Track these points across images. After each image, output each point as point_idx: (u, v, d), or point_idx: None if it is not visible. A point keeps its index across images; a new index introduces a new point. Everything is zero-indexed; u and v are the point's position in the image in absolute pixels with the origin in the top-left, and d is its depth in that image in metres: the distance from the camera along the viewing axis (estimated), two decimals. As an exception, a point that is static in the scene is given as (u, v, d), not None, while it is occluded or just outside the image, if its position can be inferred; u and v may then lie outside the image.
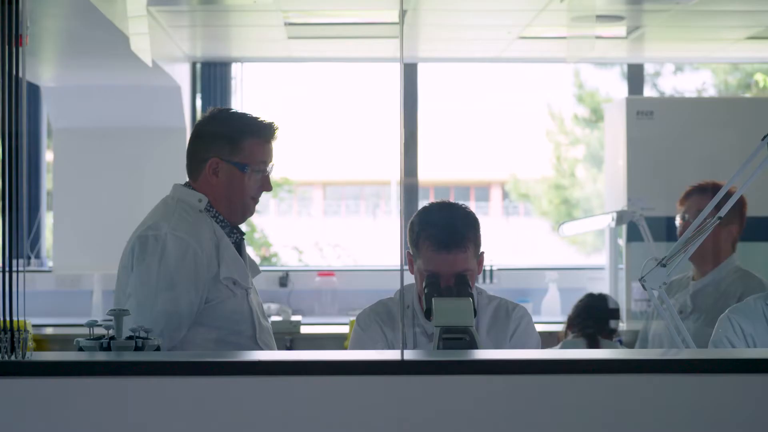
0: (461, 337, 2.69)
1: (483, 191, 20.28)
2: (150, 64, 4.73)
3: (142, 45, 4.64)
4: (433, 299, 2.76)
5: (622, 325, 5.44)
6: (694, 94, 12.37)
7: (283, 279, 6.60)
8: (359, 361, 2.28)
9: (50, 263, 6.96)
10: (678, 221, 3.94)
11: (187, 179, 3.10)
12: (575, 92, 13.10)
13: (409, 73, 7.02)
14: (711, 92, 12.53)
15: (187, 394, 2.21)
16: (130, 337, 2.50)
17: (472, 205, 19.10)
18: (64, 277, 6.68)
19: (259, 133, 3.05)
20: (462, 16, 5.78)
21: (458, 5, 5.54)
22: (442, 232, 2.97)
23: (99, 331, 2.53)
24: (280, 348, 5.16)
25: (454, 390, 2.23)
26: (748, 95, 11.41)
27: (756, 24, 5.89)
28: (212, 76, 6.84)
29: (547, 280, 6.55)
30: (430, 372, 2.25)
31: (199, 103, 7.00)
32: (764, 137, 2.71)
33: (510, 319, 3.09)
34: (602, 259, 6.54)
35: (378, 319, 3.09)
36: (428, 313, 2.80)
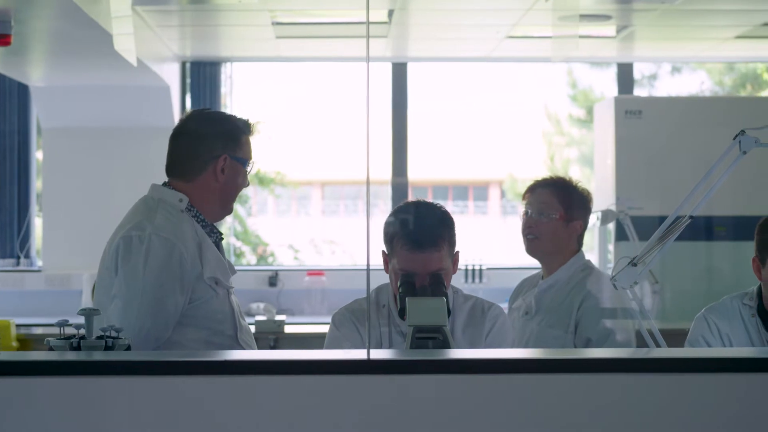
0: (434, 337, 2.69)
1: (482, 190, 20.28)
2: (135, 64, 4.74)
3: (126, 45, 4.64)
4: (406, 299, 2.76)
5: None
6: (693, 95, 12.35)
7: (273, 279, 6.61)
8: (325, 361, 2.28)
9: (40, 263, 6.96)
10: (521, 216, 3.74)
11: (166, 179, 3.09)
12: (569, 92, 13.10)
13: (399, 73, 7.02)
14: (709, 93, 12.53)
15: (153, 393, 2.21)
16: (100, 337, 2.50)
17: (471, 205, 19.15)
18: (54, 277, 6.68)
19: (248, 129, 3.12)
20: (450, 15, 5.79)
21: (445, 5, 5.55)
22: (416, 231, 2.97)
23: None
24: (264, 348, 5.18)
25: (420, 389, 2.23)
26: (743, 95, 11.41)
27: (744, 23, 5.90)
28: (202, 76, 6.85)
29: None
30: (395, 371, 2.24)
31: (189, 102, 7.00)
32: (736, 136, 2.71)
33: (485, 318, 3.08)
34: (593, 258, 6.54)
35: (353, 318, 3.08)
36: (402, 313, 2.80)
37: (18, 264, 6.88)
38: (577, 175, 13.65)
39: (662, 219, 4.95)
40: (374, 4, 5.64)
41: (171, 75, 6.62)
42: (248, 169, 3.09)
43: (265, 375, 2.22)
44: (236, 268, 3.21)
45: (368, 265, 2.25)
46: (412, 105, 7.10)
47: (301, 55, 6.76)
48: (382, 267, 3.04)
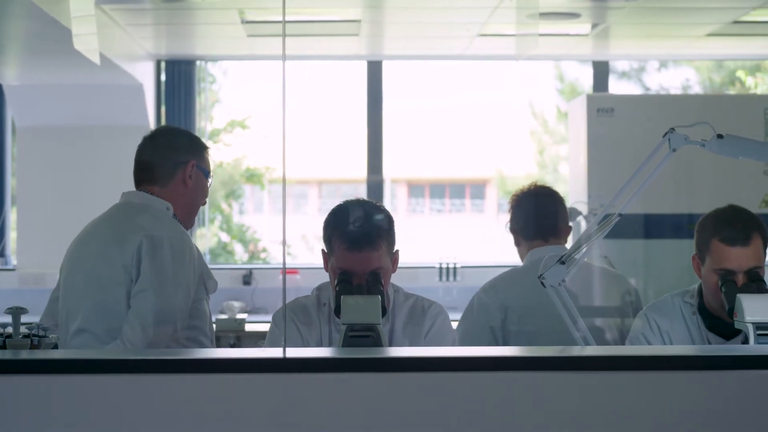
0: (367, 335, 2.69)
1: (479, 188, 20.29)
2: (98, 62, 4.75)
3: (89, 44, 4.65)
4: (341, 297, 2.77)
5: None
6: (679, 91, 12.35)
7: (247, 277, 6.60)
8: (240, 359, 2.28)
9: (14, 261, 6.97)
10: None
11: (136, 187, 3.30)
12: (558, 86, 13.11)
13: (374, 71, 7.03)
14: (696, 89, 12.52)
15: (73, 391, 2.21)
16: (26, 336, 2.50)
17: (468, 203, 19.14)
18: (28, 276, 6.69)
19: (205, 146, 3.39)
20: (421, 13, 5.79)
21: (416, 2, 5.55)
22: (354, 230, 2.97)
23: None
24: (225, 346, 5.19)
25: (335, 387, 2.23)
26: (732, 92, 11.40)
27: (715, 21, 5.89)
28: (177, 74, 6.85)
29: (510, 277, 6.52)
30: (311, 370, 2.24)
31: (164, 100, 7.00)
32: (665, 134, 2.71)
33: (426, 316, 3.08)
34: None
35: (293, 316, 3.09)
36: (338, 311, 2.80)
37: (-8, 262, 6.90)
38: (566, 171, 13.63)
39: (633, 217, 4.95)
40: (344, 2, 5.65)
41: (145, 74, 6.63)
42: (209, 182, 3.33)
43: (179, 374, 2.22)
44: (211, 266, 3.46)
45: (284, 264, 2.25)
46: (400, 104, 7.11)
47: (274, 53, 6.75)
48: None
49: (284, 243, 2.21)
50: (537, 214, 3.64)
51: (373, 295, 2.80)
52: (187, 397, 2.20)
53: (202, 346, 3.18)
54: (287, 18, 5.95)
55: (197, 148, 3.32)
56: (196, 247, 3.25)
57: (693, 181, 5.74)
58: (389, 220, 3.04)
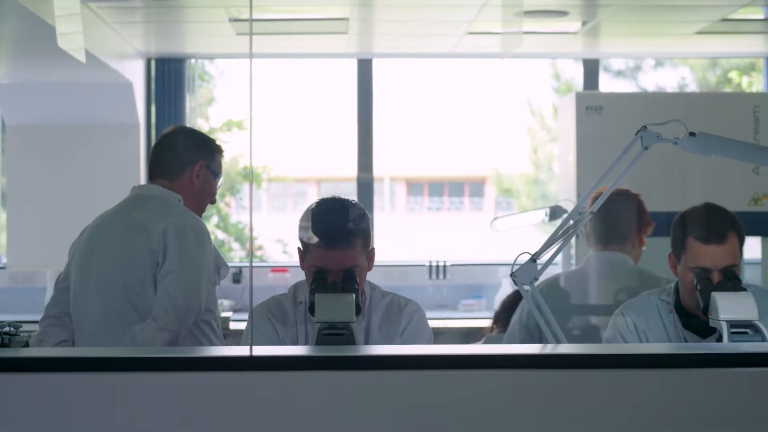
0: (340, 333, 2.69)
1: (477, 187, 20.28)
2: (84, 61, 4.75)
3: (74, 42, 4.64)
4: (315, 295, 2.77)
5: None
6: (676, 90, 12.35)
7: (237, 275, 6.59)
8: (206, 357, 2.27)
9: (4, 260, 6.97)
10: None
11: (147, 180, 3.52)
12: (554, 85, 13.09)
13: (365, 69, 7.02)
14: (692, 89, 12.51)
15: (35, 390, 2.21)
16: (-5, 334, 2.51)
17: (467, 201, 19.12)
18: (18, 274, 6.69)
19: (220, 149, 3.58)
20: (408, 11, 5.79)
21: (402, 0, 5.54)
22: (329, 228, 2.97)
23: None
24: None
25: (302, 386, 2.22)
26: (728, 90, 11.39)
27: (703, 19, 5.89)
28: (167, 72, 6.84)
29: (500, 275, 6.53)
30: (278, 368, 2.24)
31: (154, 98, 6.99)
32: (638, 132, 2.71)
33: (402, 314, 3.08)
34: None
35: (270, 315, 3.09)
36: (312, 309, 2.80)
37: (-18, 261, 6.90)
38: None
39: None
40: (331, 0, 5.64)
41: (134, 72, 6.62)
42: (218, 183, 3.53)
43: (143, 372, 2.21)
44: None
45: (251, 261, 2.24)
46: (398, 102, 7.12)
47: (263, 51, 6.75)
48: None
49: (251, 239, 2.22)
50: (599, 219, 3.63)
51: (347, 293, 2.80)
52: (153, 395, 2.20)
53: (214, 330, 3.38)
54: (274, 16, 5.95)
55: (208, 149, 3.50)
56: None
57: (683, 179, 5.74)
58: (364, 218, 3.04)
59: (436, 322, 5.81)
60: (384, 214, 17.82)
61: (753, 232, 5.89)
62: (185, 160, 3.46)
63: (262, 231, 10.64)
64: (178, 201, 3.42)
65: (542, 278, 3.60)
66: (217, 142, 3.57)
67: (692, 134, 2.66)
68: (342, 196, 3.11)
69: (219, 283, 3.44)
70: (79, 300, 3.37)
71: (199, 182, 3.46)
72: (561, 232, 2.62)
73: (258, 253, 10.35)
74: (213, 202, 3.57)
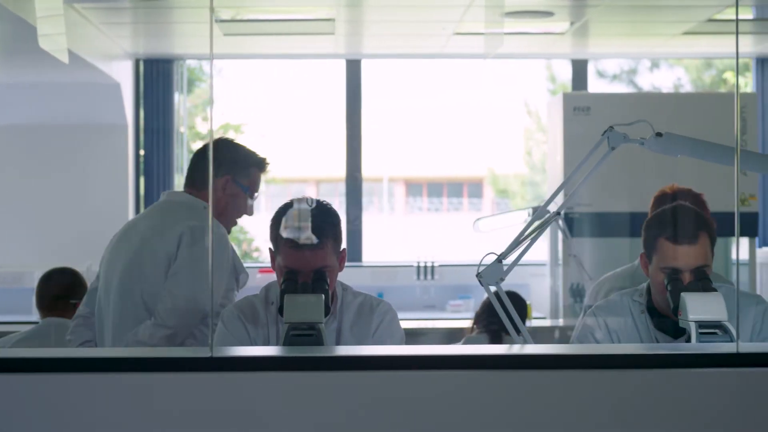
0: (309, 334, 2.69)
1: (477, 187, 20.26)
2: (67, 61, 4.75)
3: (56, 43, 4.64)
4: (285, 296, 2.76)
5: (545, 322, 5.44)
6: (671, 91, 12.34)
7: (226, 275, 6.59)
8: (167, 358, 2.27)
9: (-8, 261, 6.97)
10: None
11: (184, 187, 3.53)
12: (550, 87, 13.08)
13: (353, 70, 7.03)
14: (687, 89, 12.49)
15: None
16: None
17: (465, 201, 19.11)
18: (5, 275, 6.68)
19: (261, 166, 3.53)
20: (394, 11, 5.79)
21: (388, 1, 5.54)
22: (299, 229, 2.97)
23: None
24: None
25: (263, 387, 2.22)
26: (723, 90, 11.38)
27: (690, 19, 5.89)
28: (155, 73, 6.84)
29: (488, 276, 6.51)
30: (239, 368, 2.24)
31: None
32: (604, 132, 2.71)
33: (373, 315, 3.07)
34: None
35: (241, 315, 3.08)
36: (282, 310, 2.80)
37: (-30, 262, 6.89)
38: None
39: (612, 215, 4.94)
40: (317, 1, 5.65)
41: (122, 72, 6.62)
42: (251, 198, 3.52)
43: (106, 372, 2.22)
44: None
45: (210, 263, 2.25)
46: (395, 103, 7.13)
47: (250, 52, 6.76)
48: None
49: (210, 237, 2.21)
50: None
51: (317, 294, 2.79)
52: (114, 396, 2.20)
53: None
54: (260, 16, 5.96)
55: (241, 165, 3.48)
56: (231, 243, 3.46)
57: (674, 180, 5.72)
58: (335, 219, 3.03)
59: (422, 322, 5.81)
60: (383, 215, 17.84)
61: (740, 233, 5.88)
62: (214, 173, 3.46)
63: (259, 232, 10.60)
64: (204, 208, 3.43)
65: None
66: (259, 154, 3.55)
67: (659, 134, 2.66)
68: (313, 197, 3.10)
69: (238, 289, 3.44)
70: (101, 302, 3.45)
71: (226, 196, 3.46)
72: (528, 232, 2.62)
73: (254, 254, 10.32)
74: (249, 214, 3.56)
